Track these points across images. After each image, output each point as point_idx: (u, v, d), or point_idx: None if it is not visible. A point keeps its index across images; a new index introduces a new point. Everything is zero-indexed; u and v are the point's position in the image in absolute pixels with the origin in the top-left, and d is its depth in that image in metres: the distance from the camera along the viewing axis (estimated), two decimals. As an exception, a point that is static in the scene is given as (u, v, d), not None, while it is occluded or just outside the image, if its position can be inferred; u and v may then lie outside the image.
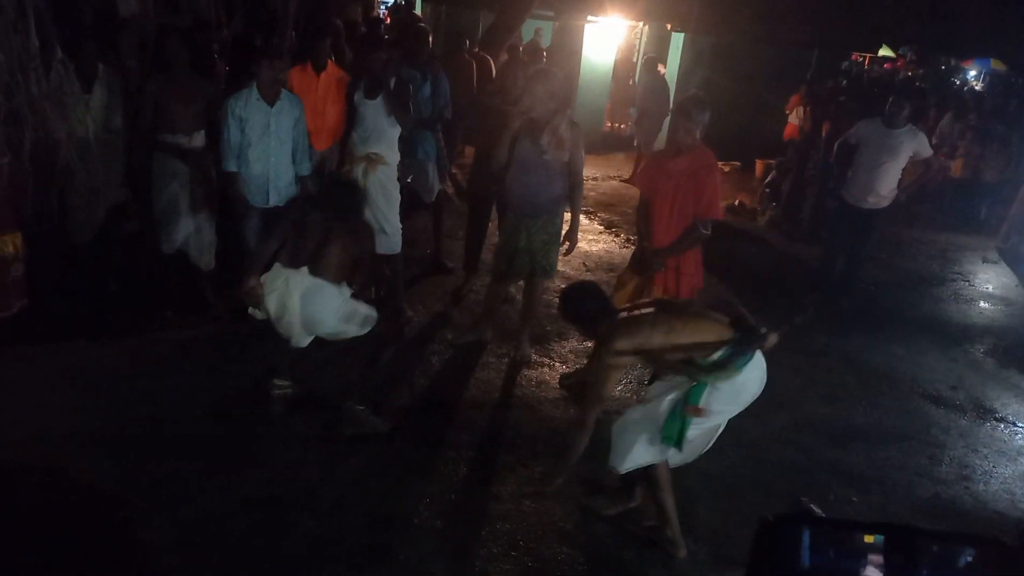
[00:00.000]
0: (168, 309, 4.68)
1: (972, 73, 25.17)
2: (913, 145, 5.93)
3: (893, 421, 4.62)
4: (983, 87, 24.68)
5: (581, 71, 11.12)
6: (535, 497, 3.40)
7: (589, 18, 10.97)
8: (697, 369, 2.87)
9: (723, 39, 11.63)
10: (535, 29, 11.10)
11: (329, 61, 5.20)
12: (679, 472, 3.20)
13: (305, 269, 3.56)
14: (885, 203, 6.06)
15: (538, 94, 4.16)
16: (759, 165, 11.27)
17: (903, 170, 6.01)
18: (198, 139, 4.51)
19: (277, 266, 3.64)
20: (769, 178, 9.41)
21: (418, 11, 13.23)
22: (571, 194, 4.42)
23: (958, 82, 23.64)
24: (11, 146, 3.48)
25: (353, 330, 3.70)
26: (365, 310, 3.75)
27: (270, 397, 3.85)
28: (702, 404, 2.88)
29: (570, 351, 4.91)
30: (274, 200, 4.53)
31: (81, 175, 4.22)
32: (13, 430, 3.37)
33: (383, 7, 15.18)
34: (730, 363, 2.85)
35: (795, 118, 10.99)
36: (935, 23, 18.77)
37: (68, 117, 3.90)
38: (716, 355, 2.86)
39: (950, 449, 4.35)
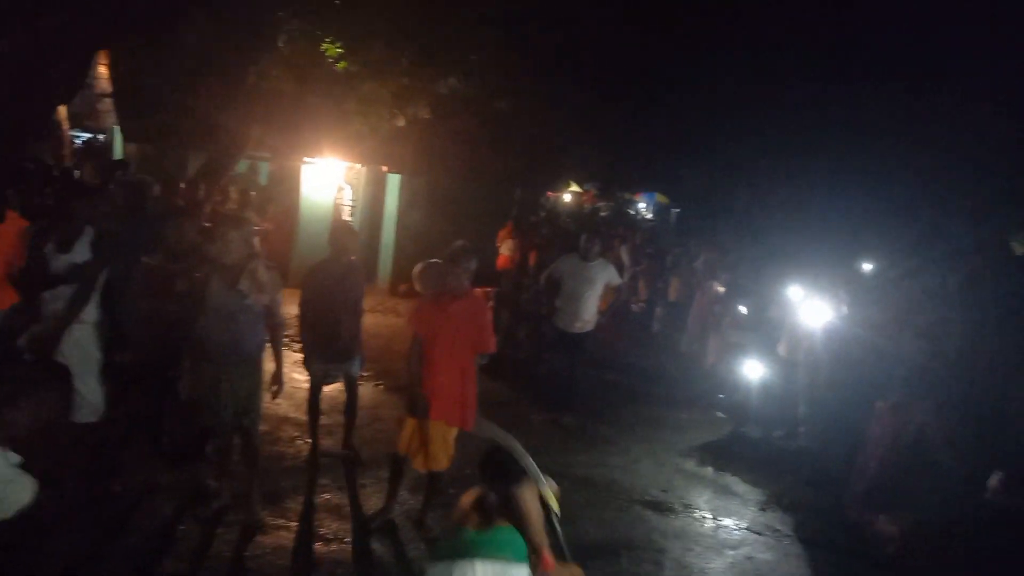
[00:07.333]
0: None
1: (642, 204, 29.83)
2: (606, 276, 6.83)
3: (621, 532, 4.95)
4: (652, 215, 29.38)
5: (301, 209, 11.12)
6: None
7: (305, 159, 11.09)
8: None
9: (435, 179, 12.54)
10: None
11: (8, 211, 4.63)
12: None
13: None
14: (590, 327, 6.81)
15: (231, 240, 4.11)
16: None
17: (600, 296, 6.86)
18: None
19: None
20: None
21: (118, 150, 12.41)
22: (273, 336, 4.36)
23: (633, 211, 27.94)
24: None
25: None
26: None
27: None
28: None
29: (311, 508, 4.62)
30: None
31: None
32: None
33: (77, 141, 14.03)
34: None
35: (506, 249, 11.98)
36: (611, 164, 22.19)
37: None
38: None
39: (670, 553, 4.76)
